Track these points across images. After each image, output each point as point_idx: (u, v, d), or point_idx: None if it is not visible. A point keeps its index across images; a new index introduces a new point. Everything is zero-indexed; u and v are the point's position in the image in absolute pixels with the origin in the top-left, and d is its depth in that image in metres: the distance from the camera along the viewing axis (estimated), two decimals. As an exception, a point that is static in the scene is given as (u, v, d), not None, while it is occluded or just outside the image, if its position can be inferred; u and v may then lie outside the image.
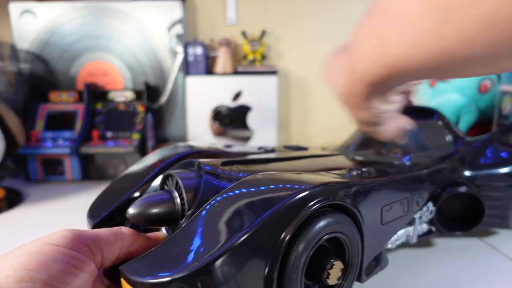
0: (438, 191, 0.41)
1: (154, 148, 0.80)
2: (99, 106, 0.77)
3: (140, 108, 0.76)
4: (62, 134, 0.72)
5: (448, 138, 0.47)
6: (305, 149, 0.48)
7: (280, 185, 0.26)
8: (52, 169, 0.70)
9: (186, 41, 0.83)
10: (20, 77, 0.80)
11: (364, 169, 0.34)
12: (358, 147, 0.46)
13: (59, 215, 0.55)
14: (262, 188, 0.26)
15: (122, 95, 0.78)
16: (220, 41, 0.84)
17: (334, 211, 0.27)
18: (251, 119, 0.83)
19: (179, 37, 0.81)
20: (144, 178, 0.34)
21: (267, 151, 0.44)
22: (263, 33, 0.85)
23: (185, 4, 0.83)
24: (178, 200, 0.28)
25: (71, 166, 0.70)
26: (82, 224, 0.27)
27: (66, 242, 0.22)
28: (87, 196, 0.63)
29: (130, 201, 0.32)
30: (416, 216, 0.38)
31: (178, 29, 0.81)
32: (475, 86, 0.70)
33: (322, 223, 0.25)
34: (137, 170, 0.36)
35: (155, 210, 0.27)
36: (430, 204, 0.40)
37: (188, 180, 0.28)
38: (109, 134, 0.74)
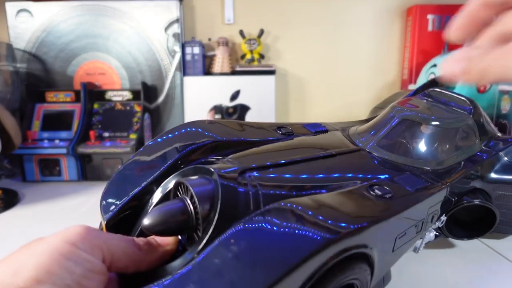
0: (454, 199, 0.38)
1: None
2: (96, 106, 0.76)
3: (137, 108, 0.76)
4: (58, 134, 0.72)
5: (477, 137, 0.41)
6: (325, 131, 0.44)
7: (304, 228, 0.24)
8: (49, 169, 0.70)
9: (184, 41, 0.82)
10: (16, 77, 0.79)
11: (386, 188, 0.31)
12: (381, 141, 0.41)
13: (56, 216, 0.55)
14: (287, 231, 0.24)
15: (119, 95, 0.77)
16: (218, 41, 0.84)
17: (355, 259, 0.26)
18: (250, 119, 0.82)
19: (176, 36, 0.81)
20: (155, 170, 0.32)
21: (284, 134, 0.41)
22: (261, 32, 0.85)
23: (182, 3, 0.83)
24: (192, 208, 0.27)
25: (68, 166, 0.70)
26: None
27: (83, 242, 0.22)
28: (84, 197, 0.63)
29: (142, 194, 0.31)
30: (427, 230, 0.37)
31: (176, 28, 0.80)
32: (474, 85, 0.70)
33: (343, 272, 0.25)
34: (149, 159, 0.34)
35: (169, 221, 0.26)
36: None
37: (200, 187, 0.27)
38: (106, 134, 0.73)
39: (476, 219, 0.42)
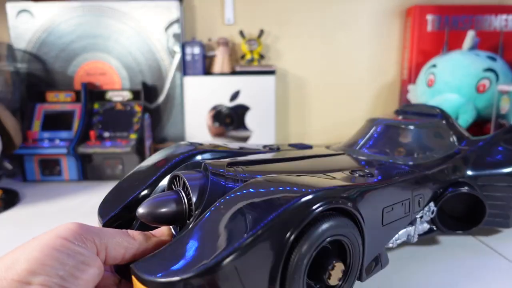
0: (440, 191, 0.41)
1: (151, 148, 0.79)
2: (96, 106, 0.76)
3: (138, 108, 0.76)
4: (59, 134, 0.72)
5: (452, 137, 0.47)
6: (309, 147, 0.48)
7: (285, 188, 0.27)
8: (49, 169, 0.70)
9: (184, 41, 0.83)
10: (17, 77, 0.80)
11: (367, 171, 0.35)
12: (363, 146, 0.46)
13: (56, 216, 0.55)
14: (268, 190, 0.27)
15: (119, 95, 0.77)
16: (218, 41, 0.84)
17: (337, 214, 0.27)
18: (249, 119, 0.83)
19: (176, 36, 0.81)
20: (151, 177, 0.35)
21: (272, 149, 0.44)
22: (261, 32, 0.85)
23: (182, 4, 0.83)
24: (185, 200, 0.29)
25: (68, 166, 0.70)
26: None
27: (74, 237, 0.23)
28: (85, 197, 0.63)
29: (139, 199, 0.33)
30: (417, 216, 0.39)
31: (176, 28, 0.80)
32: (473, 85, 0.70)
33: (324, 226, 0.26)
34: (144, 169, 0.37)
35: (163, 210, 0.28)
36: (431, 204, 0.40)
37: (195, 181, 0.29)
38: (106, 134, 0.73)
39: (468, 216, 0.44)
